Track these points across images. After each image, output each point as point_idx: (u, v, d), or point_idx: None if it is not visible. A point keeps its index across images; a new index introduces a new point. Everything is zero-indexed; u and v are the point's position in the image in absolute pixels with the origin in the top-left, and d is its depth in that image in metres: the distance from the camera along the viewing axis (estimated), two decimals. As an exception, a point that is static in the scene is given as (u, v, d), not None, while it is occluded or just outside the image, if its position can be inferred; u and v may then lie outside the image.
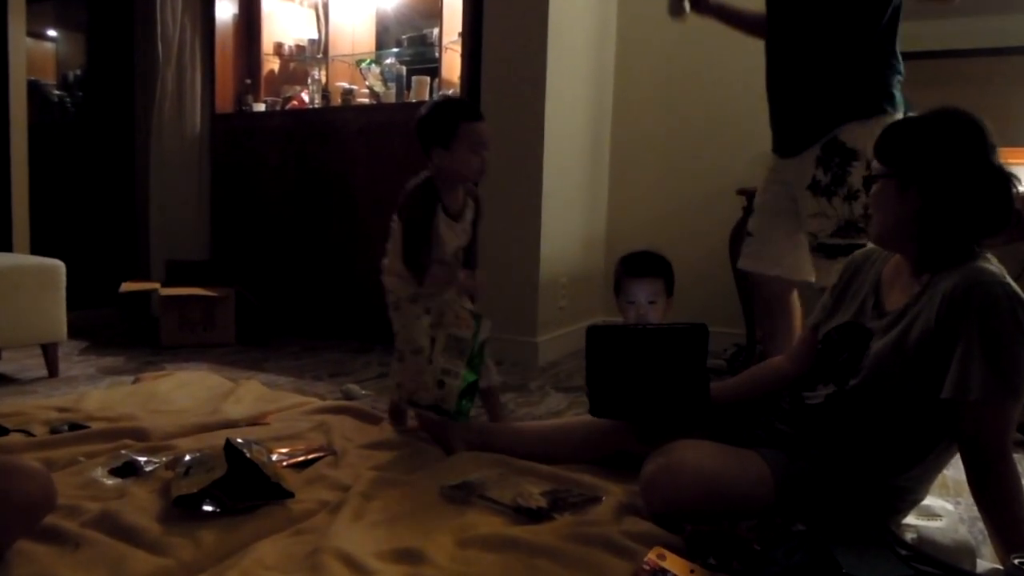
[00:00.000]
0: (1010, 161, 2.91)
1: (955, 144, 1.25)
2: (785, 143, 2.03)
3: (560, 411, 2.41)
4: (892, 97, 1.88)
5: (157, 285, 3.52)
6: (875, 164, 1.35)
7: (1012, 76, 2.96)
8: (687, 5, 2.12)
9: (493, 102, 3.12)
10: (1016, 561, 1.08)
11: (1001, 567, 1.20)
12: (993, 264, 1.26)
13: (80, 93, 4.49)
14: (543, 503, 1.47)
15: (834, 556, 1.15)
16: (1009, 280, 1.22)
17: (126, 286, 3.50)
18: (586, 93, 3.40)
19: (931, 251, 1.29)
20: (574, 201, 3.36)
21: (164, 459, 1.70)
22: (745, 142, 3.20)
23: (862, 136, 1.83)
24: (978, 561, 1.33)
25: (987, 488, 1.23)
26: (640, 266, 1.93)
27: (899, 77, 1.91)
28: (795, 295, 2.19)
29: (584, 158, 3.44)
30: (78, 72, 4.60)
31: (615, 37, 3.57)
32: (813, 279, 2.07)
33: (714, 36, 3.20)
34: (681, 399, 1.56)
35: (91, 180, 4.05)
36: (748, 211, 3.00)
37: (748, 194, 3.02)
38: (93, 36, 4.25)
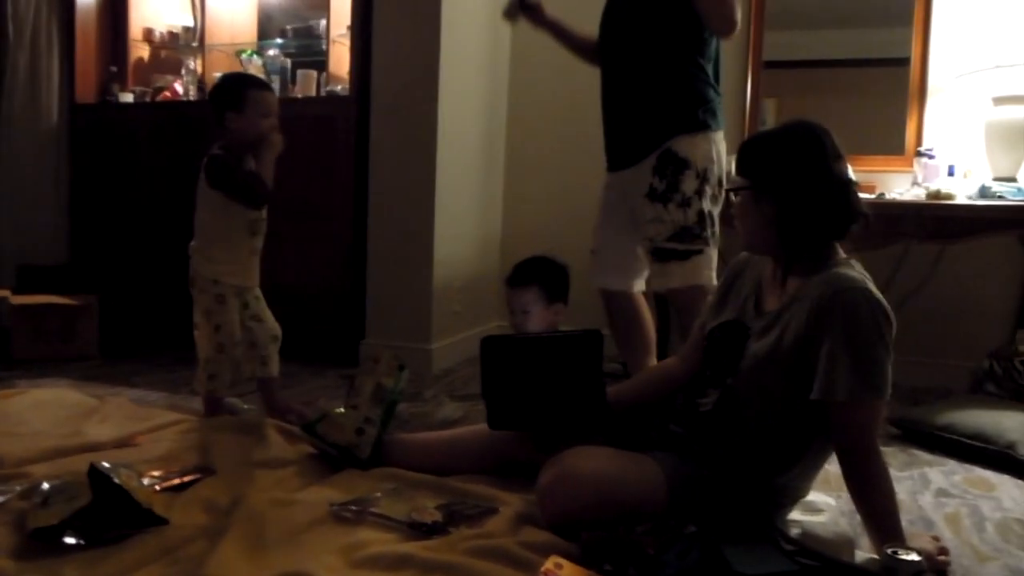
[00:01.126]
0: (870, 168, 3.16)
1: (797, 154, 1.40)
2: (621, 156, 2.22)
3: (456, 420, 2.43)
4: (715, 115, 2.14)
5: (7, 293, 3.29)
6: (734, 176, 1.49)
7: (884, 86, 3.22)
8: (518, 14, 2.32)
9: (384, 98, 3.11)
10: (889, 551, 1.19)
11: (877, 556, 1.31)
12: (856, 271, 1.39)
13: (-88, 76, 4.11)
14: (438, 517, 1.48)
15: (724, 555, 1.22)
16: (871, 286, 1.35)
17: (-31, 294, 3.26)
18: (481, 91, 3.44)
19: (791, 255, 1.43)
20: (468, 203, 3.39)
21: (18, 488, 1.60)
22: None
23: (691, 147, 2.09)
24: (856, 552, 1.45)
25: (859, 482, 1.35)
26: (514, 275, 2.01)
27: (720, 99, 2.16)
28: (644, 306, 2.35)
29: (478, 158, 3.47)
30: (-91, 52, 4.21)
31: (510, 33, 3.62)
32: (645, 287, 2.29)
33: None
34: (578, 407, 1.60)
35: (-74, 175, 3.73)
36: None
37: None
38: (-72, 12, 3.91)
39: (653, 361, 2.30)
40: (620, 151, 2.22)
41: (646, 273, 2.29)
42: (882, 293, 1.36)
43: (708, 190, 2.09)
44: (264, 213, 2.24)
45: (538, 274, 2.00)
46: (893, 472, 2.00)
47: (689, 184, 2.07)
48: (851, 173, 1.44)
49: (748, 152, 1.47)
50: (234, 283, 2.22)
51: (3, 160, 3.61)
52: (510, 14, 2.33)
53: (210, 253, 2.21)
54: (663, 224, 2.08)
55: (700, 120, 2.10)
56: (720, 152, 2.14)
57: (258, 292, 2.31)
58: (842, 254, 1.44)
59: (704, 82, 2.12)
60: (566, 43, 2.41)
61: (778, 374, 1.39)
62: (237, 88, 2.17)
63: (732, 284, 1.60)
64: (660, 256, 2.11)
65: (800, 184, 1.38)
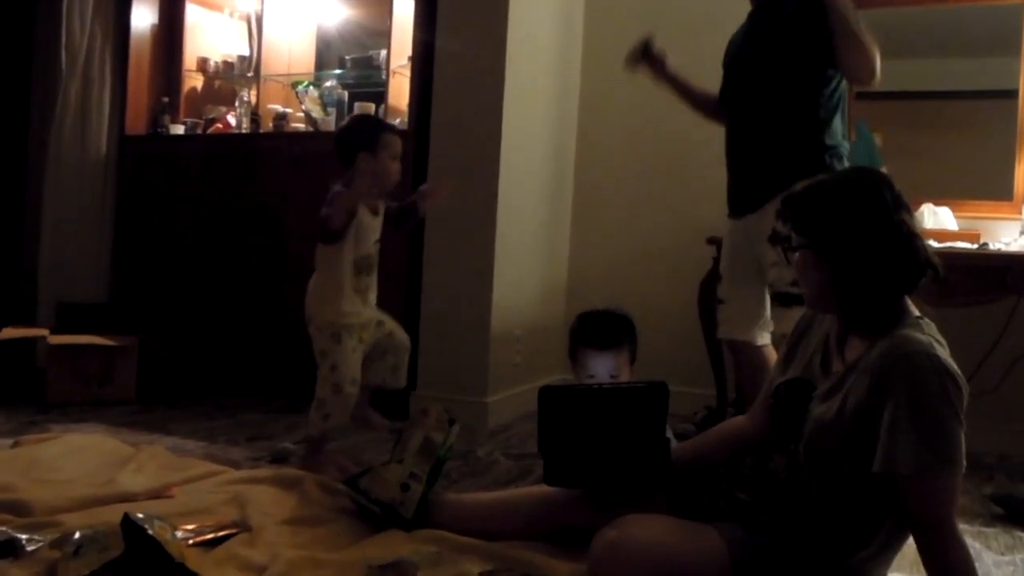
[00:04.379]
0: (974, 214, 3.10)
1: (853, 209, 1.43)
2: (745, 201, 2.37)
3: (509, 482, 2.47)
4: (842, 160, 2.27)
5: (45, 332, 3.48)
6: (794, 235, 1.51)
7: (991, 121, 3.17)
8: (640, 64, 2.52)
9: (444, 134, 3.23)
10: None
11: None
12: (925, 332, 1.39)
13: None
14: (482, 585, 1.52)
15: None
16: (938, 350, 1.35)
17: (7, 332, 3.45)
18: (547, 130, 3.54)
19: (854, 314, 1.46)
20: (532, 246, 3.47)
21: (49, 537, 1.70)
22: (716, 189, 3.35)
23: None
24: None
25: (935, 566, 1.33)
26: (601, 337, 1.99)
27: (846, 146, 2.31)
28: (774, 358, 2.34)
29: (544, 200, 3.56)
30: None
31: (579, 74, 3.74)
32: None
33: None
34: (640, 463, 1.63)
35: (-29, 206, 4.01)
36: (718, 261, 3.15)
37: (718, 243, 3.16)
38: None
39: None
40: (743, 196, 2.38)
41: (771, 325, 2.38)
42: (988, 354, 1.36)
43: None
44: (373, 251, 2.48)
45: (626, 335, 2.02)
46: (992, 556, 2.00)
47: None
48: (917, 224, 1.45)
49: (801, 206, 1.50)
50: (346, 323, 2.42)
51: (49, 194, 3.86)
52: (631, 61, 2.51)
53: (323, 292, 2.43)
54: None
55: (826, 164, 2.22)
56: None
57: (382, 315, 2.57)
58: (914, 313, 1.45)
59: (831, 128, 2.28)
60: (686, 98, 2.60)
61: (841, 443, 1.40)
62: (372, 130, 2.44)
63: (801, 337, 1.63)
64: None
65: (857, 240, 1.41)
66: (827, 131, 2.27)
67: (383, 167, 2.40)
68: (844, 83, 2.30)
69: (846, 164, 2.27)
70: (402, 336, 2.62)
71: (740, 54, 2.42)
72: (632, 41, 2.52)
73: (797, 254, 1.50)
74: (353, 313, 2.43)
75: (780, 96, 2.27)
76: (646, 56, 2.51)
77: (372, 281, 2.51)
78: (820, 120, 2.26)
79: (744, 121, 2.37)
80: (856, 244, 1.41)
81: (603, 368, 1.97)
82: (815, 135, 2.26)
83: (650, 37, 2.52)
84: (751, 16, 2.43)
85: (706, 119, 2.59)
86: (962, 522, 2.17)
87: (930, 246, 1.46)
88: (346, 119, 2.61)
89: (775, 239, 2.14)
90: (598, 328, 2.00)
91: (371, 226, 2.46)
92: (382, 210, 2.51)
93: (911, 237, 1.41)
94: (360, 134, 2.43)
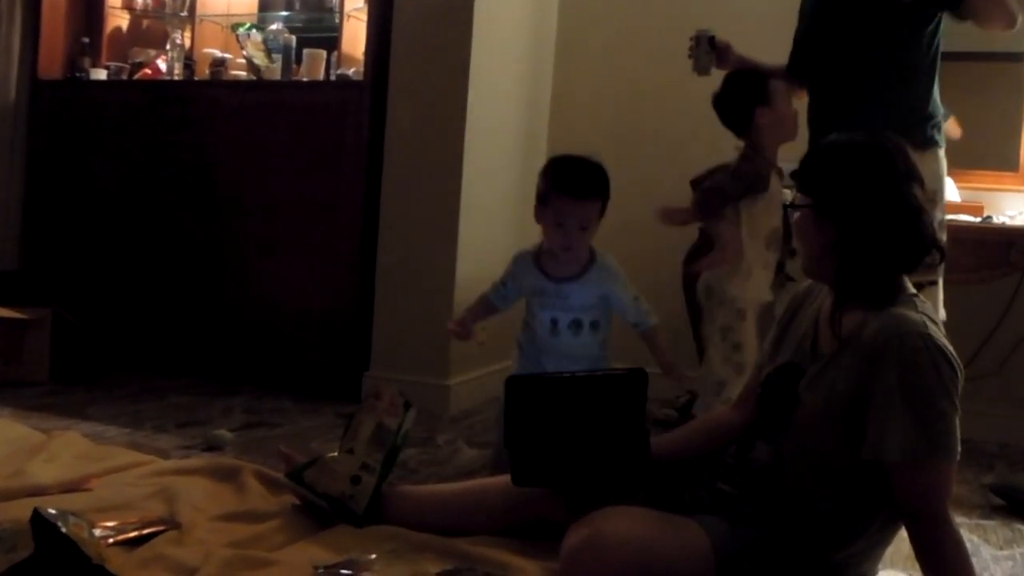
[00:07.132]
0: (977, 185, 3.15)
1: (862, 174, 1.47)
2: None
3: (473, 471, 2.47)
4: (940, 131, 2.24)
5: (-55, 303, 3.42)
6: (796, 192, 1.57)
7: (996, 86, 3.22)
8: (713, 61, 2.50)
9: (404, 85, 3.21)
10: None
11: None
12: (919, 311, 1.44)
13: None
14: (441, 585, 1.52)
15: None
16: (932, 330, 1.39)
17: (-98, 304, 3.38)
18: (520, 81, 3.52)
19: (849, 287, 1.49)
20: (501, 212, 3.45)
21: (-52, 534, 1.66)
22: (705, 148, 3.34)
23: (919, 167, 2.14)
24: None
25: (927, 557, 1.37)
26: (578, 186, 2.09)
27: (942, 112, 2.29)
28: None
29: (515, 159, 3.54)
30: None
31: (556, 17, 3.72)
32: None
33: (665, 32, 3.39)
34: (617, 459, 1.64)
35: None
36: (703, 232, 3.16)
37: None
38: None
39: None
40: None
41: None
42: (990, 335, 1.39)
43: (938, 215, 2.17)
44: (780, 224, 2.46)
45: (600, 186, 2.10)
46: (991, 550, 2.05)
47: None
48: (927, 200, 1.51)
49: (810, 165, 1.55)
50: (753, 299, 2.47)
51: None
52: (702, 67, 2.50)
53: (733, 265, 2.47)
54: None
55: (928, 136, 2.21)
56: (944, 172, 2.25)
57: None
58: (909, 289, 1.50)
59: (931, 95, 2.25)
60: None
61: (832, 431, 1.44)
62: (759, 81, 2.47)
63: (792, 319, 1.65)
64: None
65: (864, 208, 1.45)
66: (925, 96, 2.22)
67: (781, 116, 2.44)
68: (941, 33, 2.25)
69: (943, 135, 2.24)
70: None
71: (824, 18, 2.34)
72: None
73: (797, 214, 1.54)
74: (762, 290, 2.47)
75: (878, 62, 2.20)
76: (712, 45, 2.48)
77: (774, 259, 2.51)
78: (917, 82, 2.22)
79: (836, 92, 2.31)
80: (860, 210, 1.45)
81: (574, 218, 2.08)
82: (917, 104, 2.21)
83: (705, 34, 2.49)
84: None
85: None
86: (960, 514, 2.23)
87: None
88: (720, 84, 2.59)
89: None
90: (575, 175, 2.10)
91: (779, 193, 2.44)
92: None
93: (919, 211, 1.45)
94: (750, 88, 2.46)
